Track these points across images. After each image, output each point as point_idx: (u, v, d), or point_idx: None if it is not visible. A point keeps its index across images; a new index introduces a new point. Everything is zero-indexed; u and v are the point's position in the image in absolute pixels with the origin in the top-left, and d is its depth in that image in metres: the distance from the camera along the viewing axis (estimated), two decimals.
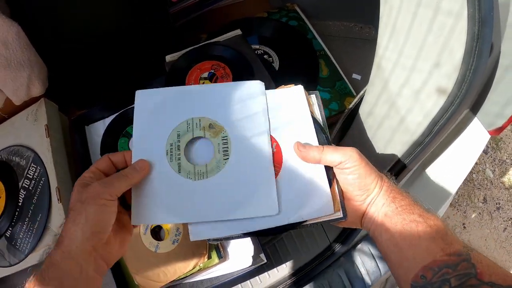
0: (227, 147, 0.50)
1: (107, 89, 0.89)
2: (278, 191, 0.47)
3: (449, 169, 0.62)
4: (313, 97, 0.54)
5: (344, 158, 0.45)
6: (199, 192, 0.48)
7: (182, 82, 0.75)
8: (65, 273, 0.40)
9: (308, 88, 0.83)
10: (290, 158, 0.49)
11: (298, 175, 0.48)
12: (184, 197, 0.48)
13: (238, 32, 0.80)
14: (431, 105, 0.49)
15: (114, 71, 0.88)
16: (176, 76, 0.77)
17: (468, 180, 1.44)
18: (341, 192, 0.48)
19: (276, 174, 0.48)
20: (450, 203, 1.41)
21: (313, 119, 0.51)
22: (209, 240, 0.48)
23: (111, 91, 0.87)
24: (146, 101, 0.53)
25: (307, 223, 0.47)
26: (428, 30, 0.45)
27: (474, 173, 1.44)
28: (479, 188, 1.43)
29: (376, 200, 0.45)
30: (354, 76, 0.93)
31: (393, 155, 0.59)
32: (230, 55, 0.77)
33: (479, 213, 1.40)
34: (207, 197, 0.48)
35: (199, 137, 0.51)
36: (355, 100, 0.69)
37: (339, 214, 0.47)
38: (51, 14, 0.75)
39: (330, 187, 0.47)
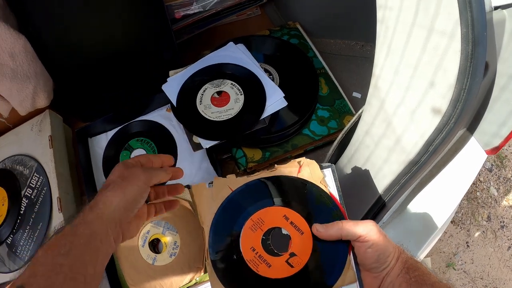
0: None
1: (111, 103, 0.90)
2: None
3: (448, 188, 0.62)
4: (325, 171, 0.57)
5: (364, 232, 0.47)
6: None
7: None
8: (93, 232, 0.43)
9: (307, 105, 0.84)
10: None
11: None
12: None
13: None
14: (426, 124, 0.49)
15: (119, 86, 0.89)
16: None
17: (472, 198, 1.42)
18: (357, 265, 0.50)
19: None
20: (453, 221, 1.39)
21: (323, 192, 0.55)
22: None
23: (115, 105, 0.88)
24: None
25: None
26: (422, 50, 0.45)
27: (478, 191, 1.43)
28: (483, 206, 1.41)
29: (392, 271, 0.47)
30: (355, 94, 0.94)
31: (388, 177, 0.59)
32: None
33: (483, 231, 1.38)
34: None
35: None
36: (353, 119, 0.69)
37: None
38: (57, 30, 0.77)
39: (347, 258, 0.50)
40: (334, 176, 0.56)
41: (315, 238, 0.51)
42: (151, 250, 0.72)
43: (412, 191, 0.65)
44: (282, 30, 0.99)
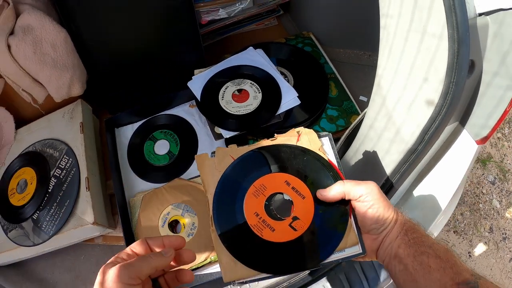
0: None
1: (139, 97, 0.97)
2: None
3: (444, 176, 0.67)
4: (323, 139, 0.59)
5: (366, 191, 0.48)
6: None
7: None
8: None
9: (318, 105, 0.91)
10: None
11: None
12: None
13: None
14: (421, 116, 0.55)
15: (148, 82, 0.97)
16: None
17: (475, 210, 1.46)
18: (359, 228, 0.51)
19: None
20: (456, 231, 1.42)
21: (322, 158, 0.56)
22: (233, 284, 0.51)
23: (142, 99, 0.96)
24: None
25: (328, 261, 0.51)
26: (417, 50, 0.52)
27: (481, 203, 1.46)
28: (485, 218, 1.44)
29: (391, 233, 0.48)
30: (361, 98, 1.01)
31: (389, 166, 0.64)
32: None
33: (485, 242, 1.41)
34: None
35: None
36: (359, 117, 0.76)
37: (358, 250, 0.50)
38: (95, 28, 0.85)
39: (348, 220, 0.51)
40: (331, 143, 0.58)
41: (317, 202, 0.53)
42: (170, 230, 0.78)
43: (413, 183, 0.70)
44: (297, 38, 1.07)
